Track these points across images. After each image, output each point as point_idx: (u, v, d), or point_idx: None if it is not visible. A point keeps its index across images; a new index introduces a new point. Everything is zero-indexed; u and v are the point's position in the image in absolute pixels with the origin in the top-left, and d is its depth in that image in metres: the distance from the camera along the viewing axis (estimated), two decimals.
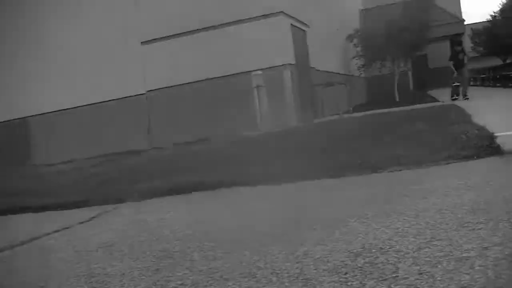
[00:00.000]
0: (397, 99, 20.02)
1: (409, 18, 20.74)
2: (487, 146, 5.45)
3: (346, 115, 12.85)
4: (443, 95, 18.89)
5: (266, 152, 7.67)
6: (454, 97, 15.19)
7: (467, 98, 14.55)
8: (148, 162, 9.42)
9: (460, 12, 34.71)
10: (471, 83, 28.59)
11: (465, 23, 38.96)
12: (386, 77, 21.94)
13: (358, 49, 20.86)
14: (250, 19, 12.47)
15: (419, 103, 15.22)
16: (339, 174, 5.46)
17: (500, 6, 51.90)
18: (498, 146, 5.43)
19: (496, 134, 5.63)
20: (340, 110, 14.40)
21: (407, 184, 4.42)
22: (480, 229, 2.74)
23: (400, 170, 5.23)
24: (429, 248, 2.55)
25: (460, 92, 15.26)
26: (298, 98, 12.80)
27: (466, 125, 6.67)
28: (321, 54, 16.48)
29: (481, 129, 6.16)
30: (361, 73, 21.65)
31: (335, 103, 14.62)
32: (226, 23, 12.66)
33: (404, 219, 3.20)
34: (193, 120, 12.81)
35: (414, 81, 31.37)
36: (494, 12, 53.88)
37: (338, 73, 18.84)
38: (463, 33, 31.56)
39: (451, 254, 2.40)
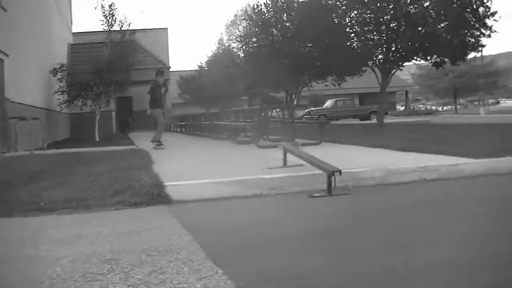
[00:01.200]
0: (97, 139, 19.98)
1: (116, 59, 21.09)
2: (157, 195, 5.76)
3: (37, 152, 12.27)
4: (142, 138, 19.59)
5: None
6: (155, 142, 13.02)
7: (160, 145, 12.85)
8: None
9: (168, 59, 36.69)
10: (175, 129, 30.25)
11: (173, 69, 41.45)
12: (89, 115, 21.77)
13: (62, 84, 20.31)
14: None
15: (118, 145, 15.47)
16: (6, 214, 5.15)
17: (206, 58, 56.70)
18: (167, 195, 5.80)
19: (166, 184, 5.97)
20: (34, 145, 13.70)
21: (65, 228, 4.37)
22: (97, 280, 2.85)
23: (70, 214, 5.16)
24: None
25: (154, 138, 13.14)
26: None
27: (144, 172, 6.93)
28: (19, 86, 15.57)
29: (154, 177, 6.47)
30: (62, 109, 21.05)
31: (32, 138, 13.86)
32: None
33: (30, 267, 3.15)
34: None
35: (118, 122, 31.85)
36: (201, 63, 58.48)
37: (37, 107, 17.98)
38: (168, 68, 33.33)
39: None
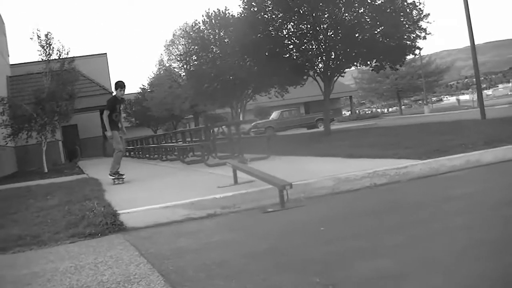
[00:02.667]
0: (46, 170, 19.59)
1: (57, 88, 20.77)
2: (111, 224, 5.77)
3: None
4: (91, 166, 19.32)
5: None
6: (114, 174, 10.69)
7: (121, 177, 10.68)
8: None
9: (110, 84, 36.30)
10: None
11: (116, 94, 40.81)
12: (35, 147, 21.32)
13: (4, 117, 19.84)
14: None
15: (68, 175, 15.25)
16: None
17: (148, 80, 56.31)
18: (122, 223, 5.82)
19: (119, 212, 5.99)
20: None
21: (20, 267, 4.35)
22: None
23: (24, 252, 5.11)
24: None
25: (111, 170, 10.76)
26: None
27: (96, 202, 6.91)
28: None
29: (107, 206, 6.47)
30: (7, 143, 20.53)
31: None
32: None
33: None
34: None
35: (66, 151, 31.28)
36: (143, 85, 58.07)
37: None
38: (111, 92, 32.99)
39: None
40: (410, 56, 24.88)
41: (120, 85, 11.00)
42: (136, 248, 4.65)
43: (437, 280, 2.92)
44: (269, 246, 4.14)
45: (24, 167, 25.32)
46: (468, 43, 19.39)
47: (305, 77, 25.14)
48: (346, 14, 21.86)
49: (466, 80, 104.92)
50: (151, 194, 7.73)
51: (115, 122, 10.96)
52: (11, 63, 33.51)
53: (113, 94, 11.48)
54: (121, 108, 11.35)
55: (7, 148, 22.37)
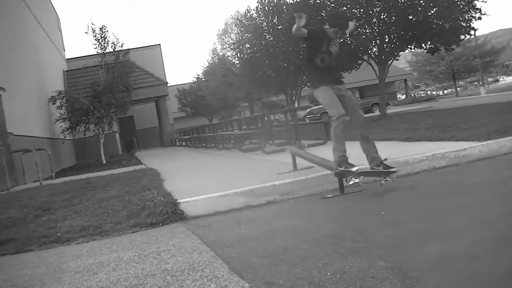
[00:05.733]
0: (104, 162, 20.04)
1: (113, 80, 21.20)
2: (172, 213, 5.78)
3: (46, 182, 12.32)
4: (148, 157, 19.63)
5: None
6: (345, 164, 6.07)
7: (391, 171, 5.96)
8: None
9: (164, 75, 36.80)
10: (180, 143, 30.26)
11: (171, 84, 41.54)
12: (93, 140, 21.85)
13: (62, 111, 20.38)
14: None
15: (126, 166, 15.52)
16: (22, 250, 5.17)
17: (202, 69, 56.89)
18: (182, 212, 5.82)
19: (179, 201, 6.00)
20: (43, 176, 13.74)
21: (85, 257, 4.39)
22: None
23: (88, 242, 5.18)
24: None
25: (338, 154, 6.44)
26: None
27: (155, 191, 6.95)
28: (20, 118, 15.67)
29: (167, 195, 6.49)
30: (65, 136, 21.09)
31: (40, 168, 13.90)
32: None
33: None
34: None
35: (123, 143, 31.97)
36: (197, 74, 58.67)
37: (40, 137, 18.08)
38: (166, 83, 33.40)
39: None
40: (466, 37, 24.05)
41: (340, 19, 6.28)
42: (197, 236, 4.63)
43: (506, 261, 2.74)
44: (330, 231, 4.03)
45: (83, 159, 26.04)
46: None
47: (359, 61, 24.76)
48: None
49: None
50: (209, 182, 7.71)
51: (323, 70, 6.20)
52: (67, 57, 34.42)
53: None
54: (334, 48, 6.22)
55: (66, 141, 22.99)
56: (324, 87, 6.21)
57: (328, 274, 2.99)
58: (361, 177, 5.76)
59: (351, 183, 5.77)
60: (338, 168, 5.88)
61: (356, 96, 46.85)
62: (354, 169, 5.79)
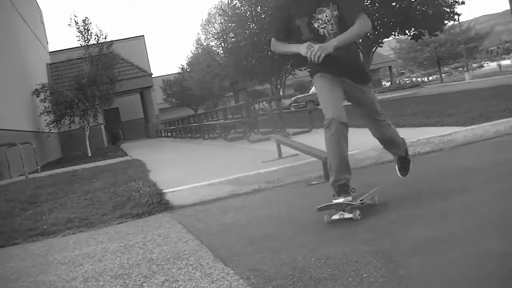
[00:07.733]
0: (90, 154, 19.96)
1: (97, 72, 21.08)
2: (158, 203, 5.78)
3: (32, 175, 12.24)
4: (134, 148, 19.57)
5: None
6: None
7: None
8: None
9: (149, 66, 36.57)
10: (165, 133, 30.20)
11: (155, 75, 41.28)
12: (78, 132, 21.75)
13: (46, 104, 20.23)
14: None
15: (112, 158, 15.47)
16: (8, 243, 5.15)
17: (186, 60, 56.63)
18: (168, 202, 5.83)
19: (164, 191, 6.00)
20: (28, 169, 13.66)
21: (71, 249, 4.40)
22: None
23: (74, 234, 5.17)
24: None
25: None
26: None
27: (141, 182, 6.95)
28: (2, 112, 15.54)
29: (153, 185, 6.49)
30: (50, 129, 20.95)
31: (25, 162, 13.81)
32: None
33: None
34: None
35: (108, 135, 31.84)
36: (182, 65, 58.41)
37: (25, 131, 17.94)
38: (150, 74, 33.23)
39: None
40: (450, 23, 24.20)
41: None
42: (183, 225, 4.64)
43: (490, 244, 2.79)
44: (315, 218, 4.05)
45: (69, 152, 25.90)
46: (507, 7, 18.69)
47: None
48: None
49: (506, 44, 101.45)
50: (195, 172, 7.73)
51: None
52: (50, 50, 34.11)
53: None
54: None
55: (51, 134, 22.84)
56: (321, 75, 4.23)
57: (313, 259, 3.02)
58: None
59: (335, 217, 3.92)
60: (335, 194, 4.01)
61: None
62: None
